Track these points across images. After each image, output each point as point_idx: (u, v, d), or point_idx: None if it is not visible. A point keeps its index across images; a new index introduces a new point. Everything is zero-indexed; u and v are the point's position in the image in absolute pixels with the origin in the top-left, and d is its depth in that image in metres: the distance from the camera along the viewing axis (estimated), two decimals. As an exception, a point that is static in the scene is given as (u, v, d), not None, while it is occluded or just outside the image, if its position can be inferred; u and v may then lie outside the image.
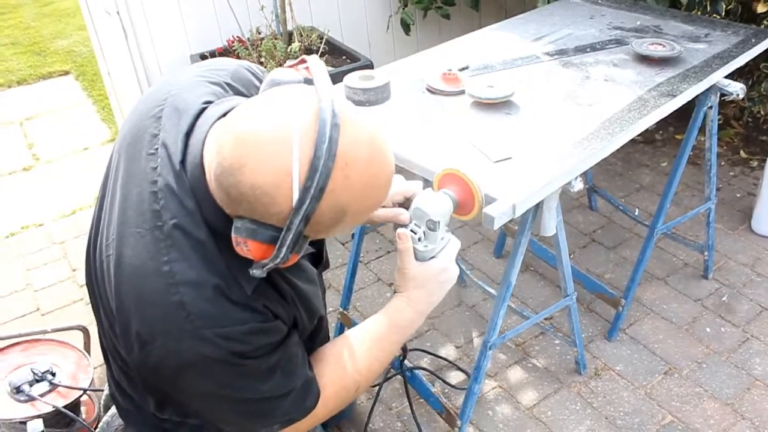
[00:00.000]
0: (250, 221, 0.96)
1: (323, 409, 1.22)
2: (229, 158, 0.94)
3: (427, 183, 1.42)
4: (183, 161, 1.06)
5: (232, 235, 0.99)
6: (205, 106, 1.11)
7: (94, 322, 1.28)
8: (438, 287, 1.29)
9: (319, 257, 1.36)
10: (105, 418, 1.75)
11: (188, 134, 1.07)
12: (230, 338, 1.03)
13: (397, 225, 1.33)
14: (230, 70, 1.23)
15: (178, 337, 1.02)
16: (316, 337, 1.32)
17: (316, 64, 1.03)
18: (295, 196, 0.91)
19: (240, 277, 1.05)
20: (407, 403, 2.32)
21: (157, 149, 1.09)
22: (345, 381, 1.25)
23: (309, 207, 0.91)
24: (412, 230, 1.26)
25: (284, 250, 0.96)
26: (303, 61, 1.09)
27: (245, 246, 0.98)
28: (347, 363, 1.26)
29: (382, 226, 2.67)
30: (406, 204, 1.37)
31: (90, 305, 1.27)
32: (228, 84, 1.19)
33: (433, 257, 1.27)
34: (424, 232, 1.26)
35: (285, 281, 1.15)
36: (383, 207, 1.37)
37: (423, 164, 1.68)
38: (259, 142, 0.92)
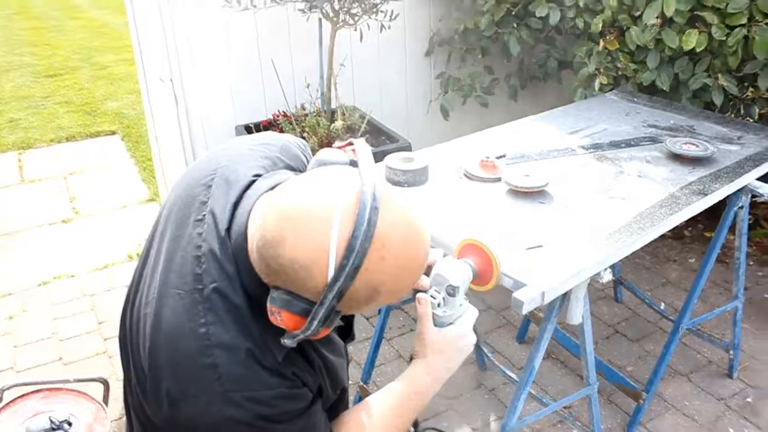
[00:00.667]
0: (285, 292, 1.00)
1: None
2: (272, 231, 0.99)
3: (448, 252, 1.46)
4: (228, 229, 1.11)
5: (268, 304, 1.02)
6: (254, 178, 1.16)
7: (115, 375, 1.31)
8: (456, 353, 1.31)
9: (347, 330, 1.39)
10: None
11: (236, 204, 1.12)
12: (259, 402, 1.06)
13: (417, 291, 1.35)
14: (279, 145, 1.28)
15: (208, 399, 1.05)
16: (338, 407, 1.34)
17: (362, 148, 1.08)
18: (331, 272, 0.95)
19: (272, 344, 1.08)
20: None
21: (204, 216, 1.14)
22: None
23: (343, 284, 0.95)
24: (431, 296, 1.29)
25: (315, 323, 0.99)
26: (350, 144, 1.15)
27: (279, 316, 1.01)
28: (366, 429, 1.28)
29: (405, 303, 2.70)
30: (426, 271, 1.37)
31: (117, 358, 1.32)
32: (278, 158, 1.25)
33: (451, 323, 1.30)
34: (443, 298, 1.29)
35: (315, 351, 1.18)
36: None
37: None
38: (301, 219, 0.97)
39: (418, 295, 1.31)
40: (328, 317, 0.99)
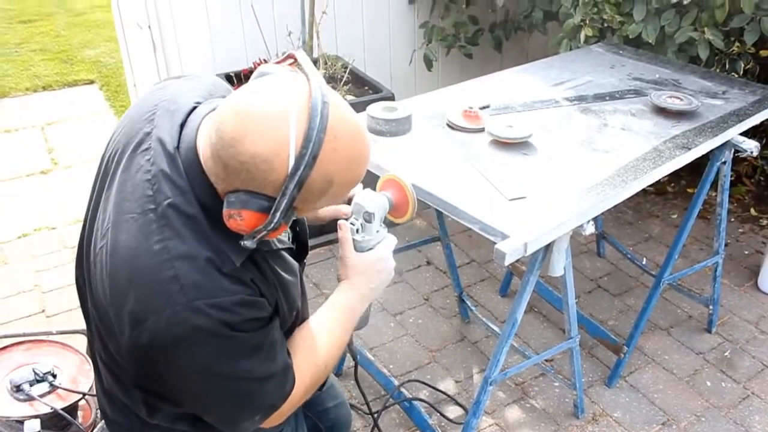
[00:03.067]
0: (244, 193, 1.05)
1: (299, 395, 1.29)
2: (231, 131, 1.04)
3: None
4: (178, 147, 1.16)
5: (225, 209, 1.07)
6: (196, 105, 1.22)
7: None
8: (376, 275, 1.42)
9: (303, 251, 1.45)
10: (100, 425, 1.76)
11: (182, 126, 1.18)
12: (222, 308, 1.10)
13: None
14: (211, 81, 1.35)
15: (171, 312, 1.08)
16: (293, 332, 1.38)
17: (303, 58, 1.13)
18: (291, 162, 1.02)
19: (230, 251, 1.13)
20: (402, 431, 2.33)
21: (150, 144, 1.19)
22: (316, 363, 1.33)
23: (303, 173, 1.02)
24: (351, 223, 1.41)
25: (278, 215, 1.05)
26: (290, 57, 1.18)
27: (239, 217, 1.06)
28: (313, 347, 1.35)
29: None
30: (348, 202, 1.50)
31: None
32: (213, 90, 1.31)
33: (370, 249, 1.42)
34: (361, 224, 1.42)
35: (268, 266, 1.22)
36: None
37: (441, 196, 1.72)
38: (259, 115, 1.03)
39: (339, 222, 1.44)
40: (289, 210, 1.06)
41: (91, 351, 1.39)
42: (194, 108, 1.22)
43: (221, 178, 1.09)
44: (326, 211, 1.56)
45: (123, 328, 1.13)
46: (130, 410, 1.36)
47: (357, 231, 1.42)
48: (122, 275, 1.13)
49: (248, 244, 1.09)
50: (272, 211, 1.05)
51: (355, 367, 1.77)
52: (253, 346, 1.17)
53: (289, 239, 1.41)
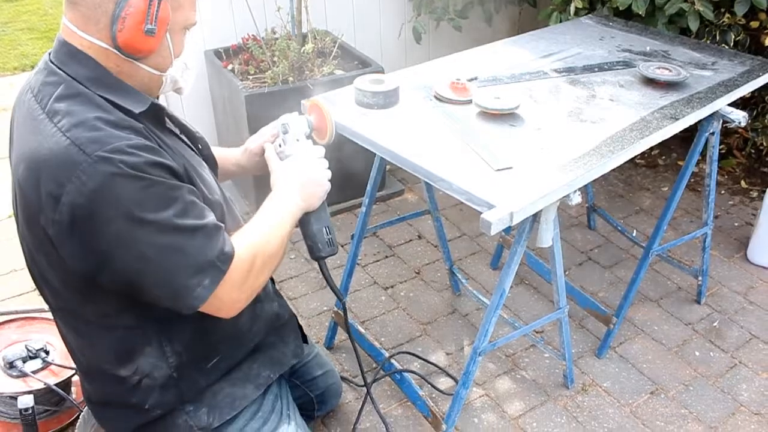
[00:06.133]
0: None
1: (246, 265, 1.37)
2: None
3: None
4: (50, 60, 1.32)
5: (114, 28, 1.24)
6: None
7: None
8: (297, 175, 1.57)
9: (212, 165, 1.63)
10: (86, 409, 1.78)
11: (50, 59, 1.34)
12: (120, 151, 1.20)
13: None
14: None
15: (79, 172, 1.18)
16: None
17: None
18: None
19: (126, 101, 1.30)
20: (394, 404, 2.35)
21: (30, 82, 1.35)
22: (253, 241, 1.41)
23: None
24: (276, 143, 1.65)
25: None
26: None
27: (130, 8, 1.23)
28: (248, 230, 1.46)
29: (380, 228, 2.70)
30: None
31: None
32: None
33: (292, 155, 1.61)
34: (282, 139, 1.63)
35: (168, 143, 1.37)
36: (258, 138, 1.74)
37: (427, 168, 1.72)
38: None
39: (264, 144, 1.67)
40: None
41: (63, 334, 1.50)
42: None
43: (96, 4, 1.24)
44: (255, 143, 1.73)
45: (48, 222, 1.23)
46: (109, 376, 1.44)
47: (279, 146, 1.64)
48: (31, 171, 1.24)
49: (151, 28, 1.26)
50: None
51: (351, 337, 1.80)
52: (170, 197, 1.25)
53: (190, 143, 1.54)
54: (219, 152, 1.75)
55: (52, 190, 1.20)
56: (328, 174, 1.61)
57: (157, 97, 1.45)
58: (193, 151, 1.53)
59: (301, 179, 1.56)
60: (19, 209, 1.32)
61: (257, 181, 3.13)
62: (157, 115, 1.40)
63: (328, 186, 1.61)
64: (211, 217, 1.33)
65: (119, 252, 1.23)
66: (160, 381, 1.46)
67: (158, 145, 1.30)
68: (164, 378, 1.46)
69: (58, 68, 1.29)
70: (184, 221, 1.26)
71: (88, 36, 1.27)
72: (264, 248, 1.43)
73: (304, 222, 1.62)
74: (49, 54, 1.34)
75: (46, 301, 1.45)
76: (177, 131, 1.50)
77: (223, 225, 1.36)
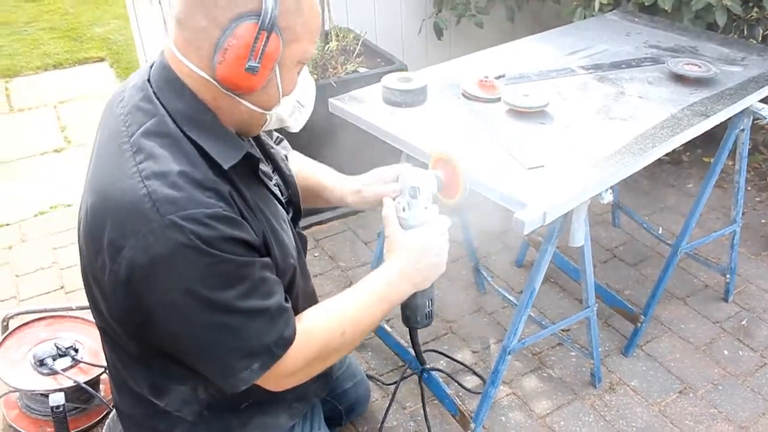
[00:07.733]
0: (230, 20, 1.10)
1: (306, 353, 1.26)
2: None
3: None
4: (148, 79, 1.22)
5: (215, 59, 1.12)
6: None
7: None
8: (421, 253, 1.38)
9: (296, 213, 1.49)
10: (112, 414, 1.79)
11: (151, 67, 1.25)
12: (195, 221, 1.09)
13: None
14: None
15: (147, 230, 1.08)
16: (291, 289, 1.35)
17: None
18: None
19: (217, 155, 1.17)
20: (421, 403, 2.35)
21: (124, 95, 1.25)
22: (330, 327, 1.30)
23: None
24: (399, 202, 1.41)
25: (268, 15, 1.09)
26: None
27: (234, 40, 1.10)
28: (332, 310, 1.32)
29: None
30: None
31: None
32: None
33: (417, 227, 1.39)
34: (408, 202, 1.39)
35: (252, 196, 1.24)
36: (377, 186, 1.55)
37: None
38: None
39: (384, 198, 1.43)
40: (274, 18, 1.10)
41: (97, 323, 1.39)
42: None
43: (201, 28, 1.12)
44: (372, 191, 1.53)
45: (104, 266, 1.13)
46: (139, 396, 1.37)
47: (403, 209, 1.40)
48: (99, 208, 1.15)
49: (254, 65, 1.11)
50: (263, 8, 1.09)
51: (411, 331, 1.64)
52: (237, 275, 1.15)
53: (280, 192, 1.41)
54: (316, 177, 1.63)
55: (115, 239, 1.11)
56: (447, 250, 1.43)
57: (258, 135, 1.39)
58: (280, 202, 1.39)
59: (420, 264, 1.38)
60: (82, 231, 1.23)
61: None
62: (249, 166, 1.27)
63: (444, 269, 1.43)
64: (277, 297, 1.22)
65: (169, 321, 1.16)
66: (191, 417, 1.39)
67: (241, 211, 1.19)
68: (195, 414, 1.38)
69: (155, 94, 1.19)
70: (246, 303, 1.16)
71: (187, 62, 1.16)
72: (341, 338, 1.31)
73: None
74: (150, 68, 1.24)
75: (93, 316, 1.37)
76: (268, 181, 1.36)
77: (289, 305, 1.25)
